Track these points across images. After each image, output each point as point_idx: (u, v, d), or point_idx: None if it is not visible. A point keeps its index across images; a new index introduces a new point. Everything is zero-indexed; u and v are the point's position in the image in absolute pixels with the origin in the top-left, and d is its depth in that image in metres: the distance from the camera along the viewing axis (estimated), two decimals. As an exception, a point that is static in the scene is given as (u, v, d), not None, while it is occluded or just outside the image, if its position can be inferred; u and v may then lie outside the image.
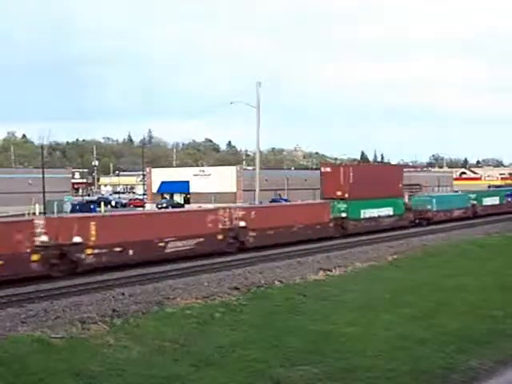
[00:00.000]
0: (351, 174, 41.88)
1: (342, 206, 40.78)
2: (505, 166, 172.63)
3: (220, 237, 32.22)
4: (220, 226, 32.31)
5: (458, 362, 13.35)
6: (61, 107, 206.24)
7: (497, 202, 63.15)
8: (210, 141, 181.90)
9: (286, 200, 60.07)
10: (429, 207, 50.47)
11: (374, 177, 43.80)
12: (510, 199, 66.10)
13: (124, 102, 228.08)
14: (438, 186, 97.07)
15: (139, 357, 13.74)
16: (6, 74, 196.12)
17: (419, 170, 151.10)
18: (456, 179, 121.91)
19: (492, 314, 17.67)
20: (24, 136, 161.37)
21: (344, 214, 40.85)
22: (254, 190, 52.76)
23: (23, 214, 49.93)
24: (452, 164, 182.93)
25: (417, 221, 49.08)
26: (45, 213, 55.20)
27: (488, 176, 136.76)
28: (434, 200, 51.93)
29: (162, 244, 29.23)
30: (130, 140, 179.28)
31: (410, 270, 26.32)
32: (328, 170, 43.66)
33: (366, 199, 42.12)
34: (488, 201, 61.29)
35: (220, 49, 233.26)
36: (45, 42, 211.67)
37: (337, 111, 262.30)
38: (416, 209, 49.40)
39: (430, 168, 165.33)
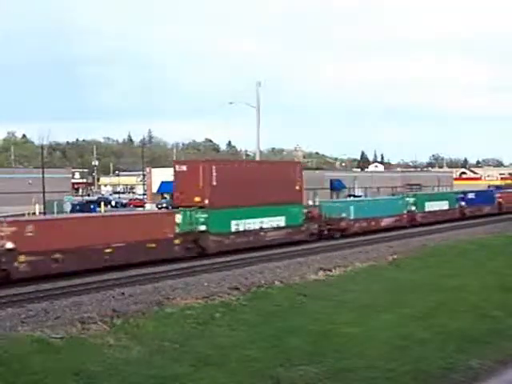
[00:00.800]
0: (214, 173, 31.87)
1: (201, 216, 30.94)
2: (505, 166, 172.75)
3: None
4: None
5: (458, 362, 13.37)
6: (61, 107, 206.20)
7: (445, 206, 52.84)
8: (210, 141, 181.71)
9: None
10: (344, 215, 40.53)
11: (254, 177, 33.84)
12: (463, 203, 55.59)
13: (124, 102, 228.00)
14: (438, 186, 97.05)
15: (139, 357, 13.76)
16: (5, 74, 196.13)
17: (419, 169, 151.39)
18: (456, 179, 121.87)
19: (492, 314, 17.71)
20: (24, 136, 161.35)
21: (203, 228, 30.93)
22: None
23: (23, 214, 49.94)
24: (452, 164, 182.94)
25: (325, 232, 39.10)
26: (44, 213, 55.20)
27: (488, 176, 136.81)
28: (352, 206, 42.46)
29: None
30: (130, 140, 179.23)
31: (410, 270, 26.33)
32: (183, 168, 32.90)
33: (240, 207, 32.48)
34: (432, 206, 50.86)
35: (220, 49, 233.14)
36: (45, 42, 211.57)
37: (337, 111, 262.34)
38: (326, 217, 39.65)
39: (429, 168, 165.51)
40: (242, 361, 13.36)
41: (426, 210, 49.91)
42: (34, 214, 55.38)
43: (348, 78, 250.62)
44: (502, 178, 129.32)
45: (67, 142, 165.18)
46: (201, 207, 31.23)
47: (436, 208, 51.22)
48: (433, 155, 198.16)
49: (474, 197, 58.32)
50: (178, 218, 30.29)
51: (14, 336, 15.44)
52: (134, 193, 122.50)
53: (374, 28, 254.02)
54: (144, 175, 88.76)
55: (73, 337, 15.31)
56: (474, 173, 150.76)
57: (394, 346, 14.50)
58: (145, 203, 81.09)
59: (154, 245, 28.08)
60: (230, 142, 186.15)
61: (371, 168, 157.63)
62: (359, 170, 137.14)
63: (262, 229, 34.21)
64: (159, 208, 65.51)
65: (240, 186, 32.51)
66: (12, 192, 69.96)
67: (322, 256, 31.26)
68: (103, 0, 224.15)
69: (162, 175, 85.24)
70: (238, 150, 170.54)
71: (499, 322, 16.92)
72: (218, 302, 19.54)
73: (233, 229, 32.51)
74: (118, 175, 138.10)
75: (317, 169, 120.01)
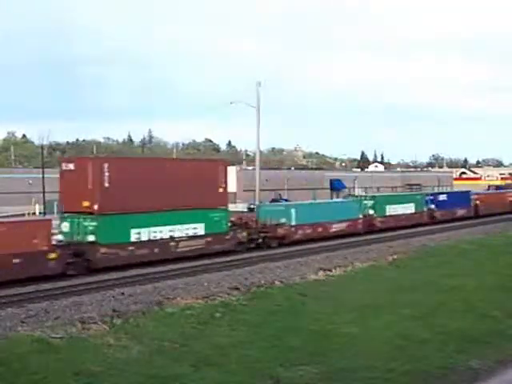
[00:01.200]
0: (106, 172, 26.57)
1: (89, 224, 26.18)
2: (505, 166, 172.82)
3: None
4: None
5: (458, 362, 13.38)
6: (61, 107, 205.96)
7: (411, 210, 47.35)
8: (210, 141, 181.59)
9: (286, 200, 60.04)
10: (283, 220, 35.34)
11: (164, 177, 28.69)
12: (433, 206, 50.53)
13: (124, 102, 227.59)
14: (438, 186, 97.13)
15: (139, 357, 13.76)
16: (5, 74, 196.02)
17: (419, 169, 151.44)
18: (456, 179, 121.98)
19: (492, 314, 17.73)
20: (24, 136, 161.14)
21: (92, 238, 26.10)
22: (255, 190, 52.64)
23: (23, 214, 49.94)
24: (452, 164, 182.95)
25: (260, 240, 34.01)
26: (44, 213, 55.24)
27: (488, 176, 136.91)
28: (293, 210, 36.79)
29: None
30: (130, 140, 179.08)
31: (410, 270, 26.34)
32: (70, 166, 27.43)
33: (144, 213, 27.48)
34: (395, 209, 45.31)
35: (220, 49, 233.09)
36: (45, 42, 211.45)
37: (337, 111, 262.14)
38: (260, 223, 34.89)
39: (429, 168, 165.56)
40: (242, 361, 13.37)
41: (387, 213, 44.41)
42: (34, 214, 55.42)
43: (348, 78, 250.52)
44: (502, 178, 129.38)
45: (67, 142, 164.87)
46: (90, 213, 26.35)
47: (399, 211, 45.76)
48: (433, 155, 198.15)
49: (445, 199, 53.23)
50: (66, 226, 26.62)
51: (14, 336, 15.45)
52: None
53: (374, 28, 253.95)
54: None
55: (73, 337, 15.32)
56: (474, 173, 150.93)
57: (394, 345, 14.51)
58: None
59: (18, 260, 22.78)
60: (229, 141, 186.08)
61: (371, 168, 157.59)
62: (359, 169, 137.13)
63: (172, 238, 28.95)
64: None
65: (144, 187, 27.58)
66: (12, 192, 69.98)
67: (321, 256, 31.27)
68: (103, 0, 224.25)
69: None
70: (238, 150, 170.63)
71: (499, 322, 16.94)
72: (218, 301, 19.54)
73: (133, 238, 27.27)
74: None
75: (317, 169, 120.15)
